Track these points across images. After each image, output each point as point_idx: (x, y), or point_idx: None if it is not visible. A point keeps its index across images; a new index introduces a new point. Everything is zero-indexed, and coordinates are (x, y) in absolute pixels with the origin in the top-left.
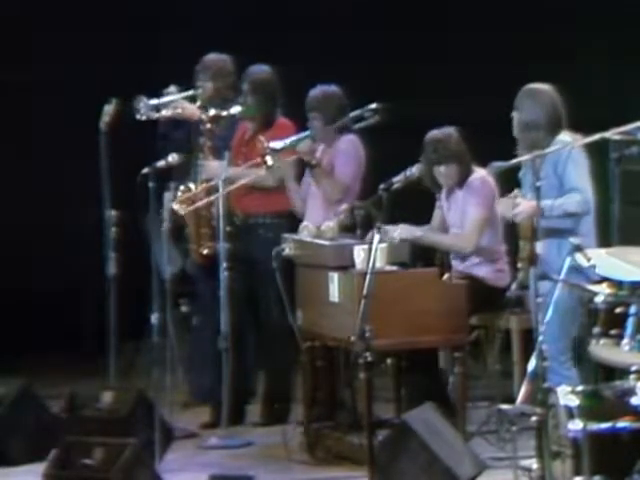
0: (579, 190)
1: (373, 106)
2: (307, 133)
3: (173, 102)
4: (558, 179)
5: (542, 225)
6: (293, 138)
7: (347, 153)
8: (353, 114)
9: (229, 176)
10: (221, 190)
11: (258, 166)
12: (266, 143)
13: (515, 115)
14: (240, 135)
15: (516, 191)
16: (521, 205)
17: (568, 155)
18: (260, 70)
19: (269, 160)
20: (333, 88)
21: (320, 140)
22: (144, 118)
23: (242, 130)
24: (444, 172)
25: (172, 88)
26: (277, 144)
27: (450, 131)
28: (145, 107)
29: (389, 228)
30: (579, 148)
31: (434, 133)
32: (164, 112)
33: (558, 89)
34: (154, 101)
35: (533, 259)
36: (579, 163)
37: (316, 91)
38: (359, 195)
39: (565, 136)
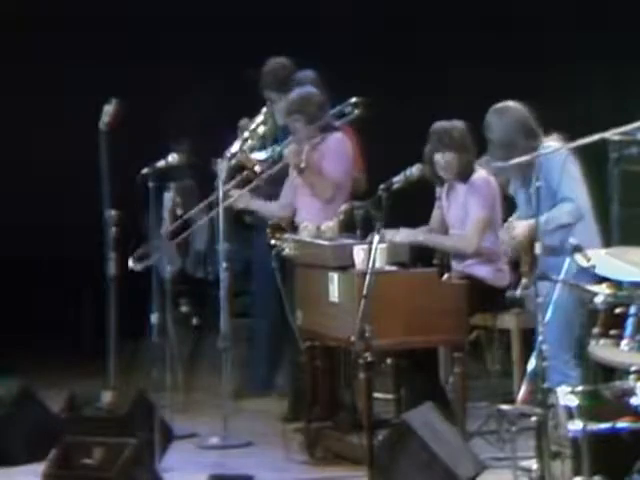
0: (569, 199)
1: (353, 100)
2: (290, 138)
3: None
4: (549, 188)
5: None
6: (276, 146)
7: (335, 151)
8: (334, 111)
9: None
10: (221, 193)
11: (249, 178)
12: (250, 155)
13: (488, 136)
14: None
15: (511, 218)
16: (517, 228)
17: (562, 164)
18: (311, 75)
19: (258, 168)
20: (310, 88)
21: (304, 141)
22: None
23: None
24: (443, 160)
25: (244, 121)
26: (261, 154)
27: (457, 123)
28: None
29: (389, 232)
30: (565, 153)
31: (440, 123)
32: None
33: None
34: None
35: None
36: (569, 170)
37: (294, 94)
38: (353, 194)
39: (553, 141)
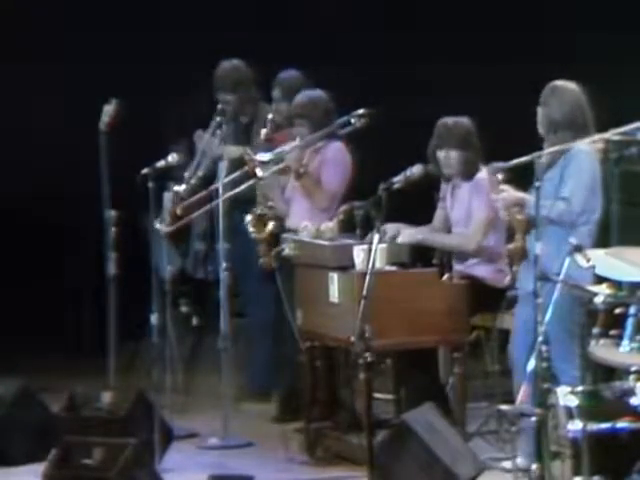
0: (567, 201)
1: (360, 111)
2: (295, 143)
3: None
4: (560, 183)
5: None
6: (280, 149)
7: (335, 161)
8: (340, 120)
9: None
10: (221, 191)
11: (249, 177)
12: (253, 156)
13: (540, 111)
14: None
15: (500, 176)
16: (506, 192)
17: (577, 163)
18: (291, 75)
19: (259, 172)
20: (319, 93)
21: (307, 146)
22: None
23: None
24: (444, 157)
25: (199, 132)
26: (265, 156)
27: (462, 119)
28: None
29: (389, 227)
30: (591, 156)
31: (445, 119)
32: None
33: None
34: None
35: (522, 253)
36: (582, 174)
37: (301, 97)
38: (352, 197)
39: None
